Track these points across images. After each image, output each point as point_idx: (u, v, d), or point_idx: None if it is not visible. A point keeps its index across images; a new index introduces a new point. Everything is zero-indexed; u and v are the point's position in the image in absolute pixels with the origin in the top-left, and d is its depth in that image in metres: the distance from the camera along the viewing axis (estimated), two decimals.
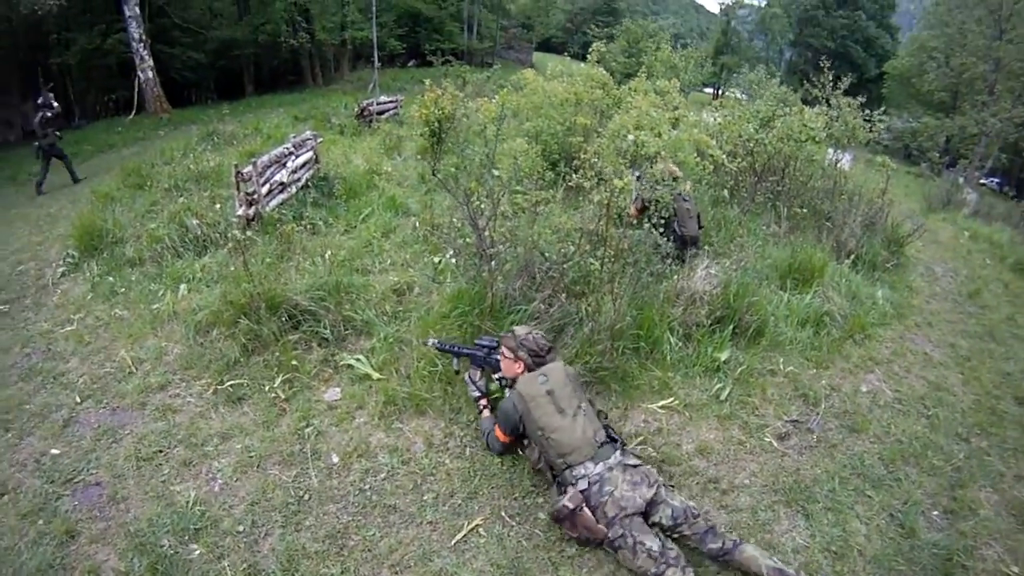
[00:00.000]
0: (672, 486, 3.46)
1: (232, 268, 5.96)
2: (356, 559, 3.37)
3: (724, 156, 6.53)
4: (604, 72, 9.65)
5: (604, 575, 3.31)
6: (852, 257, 7.52)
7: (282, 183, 8.17)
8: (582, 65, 10.08)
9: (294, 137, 9.37)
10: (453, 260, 6.11)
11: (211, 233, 7.18)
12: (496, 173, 4.87)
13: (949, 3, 33.31)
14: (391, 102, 17.62)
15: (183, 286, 6.16)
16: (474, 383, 4.20)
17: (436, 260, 6.34)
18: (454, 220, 6.25)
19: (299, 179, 8.82)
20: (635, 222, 5.82)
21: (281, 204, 8.09)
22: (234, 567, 3.32)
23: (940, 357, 6.22)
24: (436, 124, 8.78)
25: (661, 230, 5.15)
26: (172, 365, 5.08)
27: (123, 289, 6.41)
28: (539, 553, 3.40)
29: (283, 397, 4.54)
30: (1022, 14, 28.29)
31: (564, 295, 5.19)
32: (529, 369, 3.86)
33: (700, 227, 6.81)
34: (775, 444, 4.42)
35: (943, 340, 6.64)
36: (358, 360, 4.84)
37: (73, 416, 4.61)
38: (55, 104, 12.71)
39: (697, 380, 4.92)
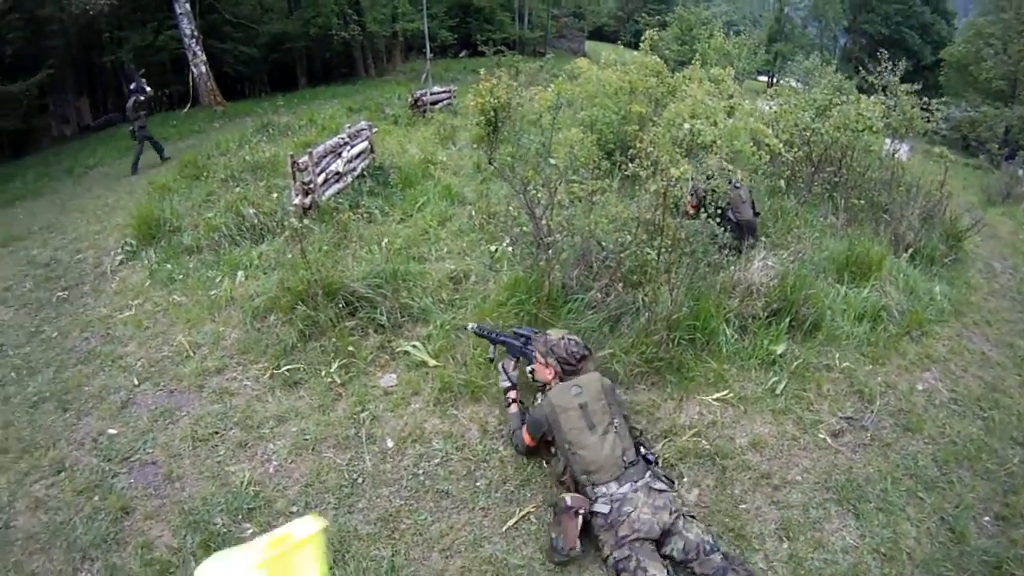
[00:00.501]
0: (693, 516, 3.36)
1: (289, 256, 6.10)
2: (407, 542, 3.42)
3: (781, 145, 6.39)
4: (658, 60, 9.51)
5: None
6: (910, 251, 7.33)
7: (338, 172, 8.26)
8: (635, 53, 9.94)
9: (349, 127, 9.47)
10: (510, 248, 6.13)
11: (267, 222, 7.31)
12: (553, 162, 4.85)
13: None
14: (444, 92, 17.55)
15: (240, 273, 6.29)
16: (506, 373, 4.13)
17: (492, 248, 6.36)
18: (510, 209, 6.24)
19: (354, 168, 8.89)
20: (695, 215, 5.75)
21: (337, 193, 8.17)
22: None
23: (998, 357, 6.02)
24: (492, 113, 8.78)
25: (717, 220, 5.08)
26: (229, 349, 5.20)
27: (181, 276, 6.57)
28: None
29: (339, 382, 4.61)
30: None
31: (621, 285, 5.15)
32: (560, 377, 3.81)
33: (756, 214, 6.68)
34: (829, 441, 4.34)
35: (1001, 339, 6.41)
36: (415, 347, 4.89)
37: (131, 398, 4.77)
38: (148, 88, 13.57)
39: (752, 373, 4.84)
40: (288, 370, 4.76)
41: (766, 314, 5.28)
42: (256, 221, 7.33)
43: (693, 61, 9.96)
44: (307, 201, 7.41)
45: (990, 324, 6.70)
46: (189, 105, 20.40)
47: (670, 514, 3.19)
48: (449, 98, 17.44)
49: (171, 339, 5.47)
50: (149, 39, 21.76)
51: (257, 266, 6.44)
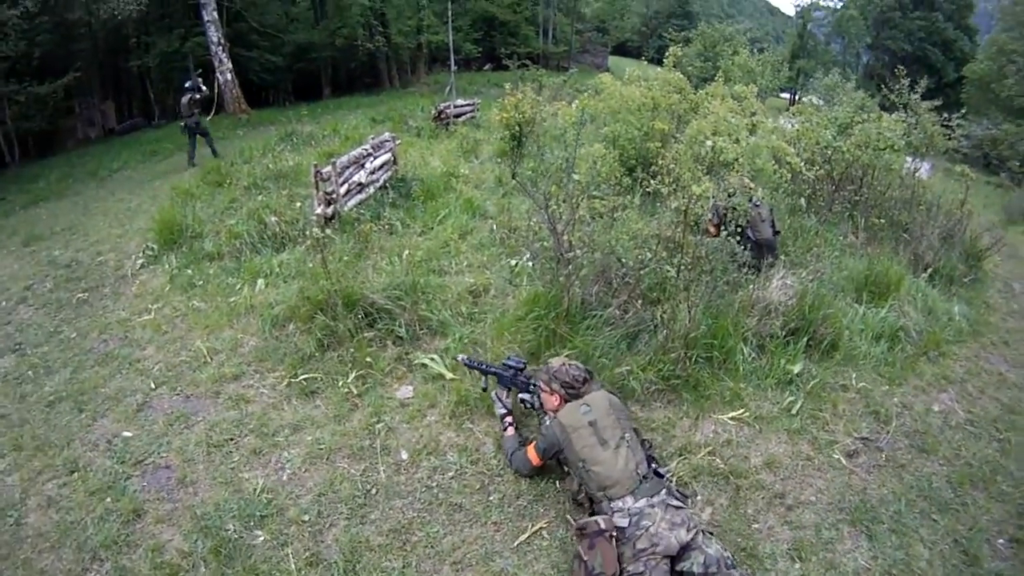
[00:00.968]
0: (712, 532, 3.34)
1: (310, 265, 6.13)
2: (418, 555, 3.42)
3: (802, 164, 6.37)
4: (681, 77, 9.53)
5: None
6: (929, 270, 7.27)
7: (360, 183, 8.34)
8: (658, 69, 9.97)
9: (372, 138, 9.55)
10: (530, 263, 6.16)
11: (289, 230, 7.39)
12: (576, 177, 4.87)
13: None
14: (468, 105, 17.68)
15: (260, 281, 6.35)
16: (500, 400, 4.16)
17: (513, 263, 6.40)
18: (531, 223, 6.27)
19: (377, 180, 8.98)
20: (716, 233, 5.74)
21: (359, 204, 8.26)
22: (297, 555, 3.41)
23: (1016, 378, 5.95)
24: (516, 128, 8.83)
25: (737, 238, 5.07)
26: (247, 357, 5.24)
27: (201, 282, 6.63)
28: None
29: (356, 393, 4.64)
30: None
31: (640, 301, 5.16)
32: (565, 401, 3.80)
33: (776, 232, 6.66)
34: (843, 461, 4.32)
35: (1019, 360, 6.35)
36: (432, 359, 4.91)
37: (147, 401, 4.81)
38: (203, 88, 13.95)
39: (769, 392, 4.83)
40: (305, 379, 4.80)
41: (784, 333, 5.26)
42: (278, 229, 7.41)
43: (716, 78, 9.98)
44: (329, 211, 7.48)
45: (1008, 344, 6.64)
46: (214, 112, 20.68)
47: (688, 530, 3.14)
48: (473, 111, 17.57)
49: (189, 344, 5.53)
50: (176, 45, 22.18)
51: (277, 274, 6.49)
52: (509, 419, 4.09)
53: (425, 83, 31.20)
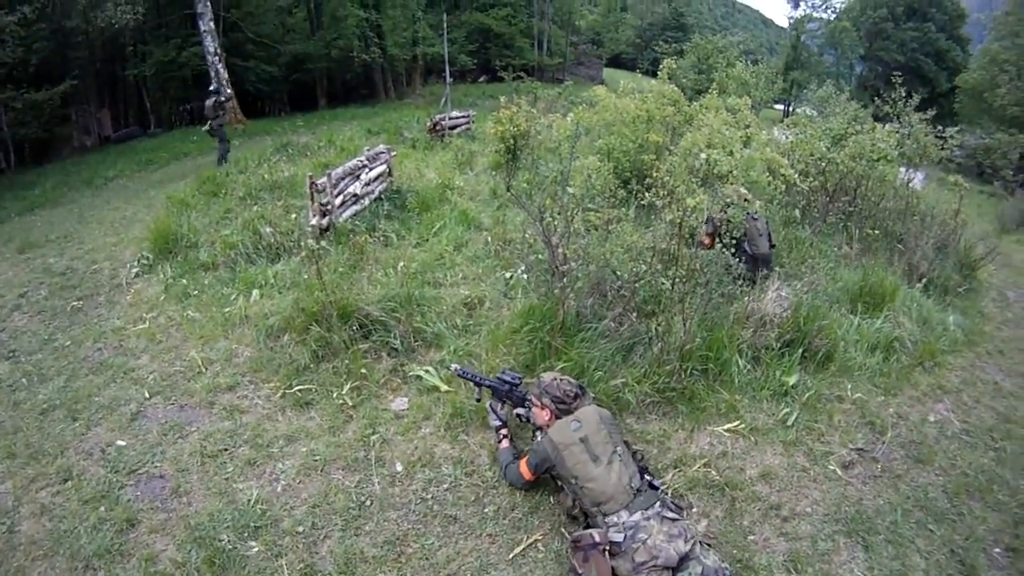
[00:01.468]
0: (710, 544, 3.35)
1: (305, 276, 6.15)
2: (413, 567, 3.42)
3: (796, 176, 6.40)
4: (675, 89, 9.59)
5: None
6: (924, 281, 7.33)
7: (355, 195, 8.35)
8: (653, 81, 10.04)
9: (368, 150, 9.57)
10: (524, 276, 6.17)
11: (284, 241, 7.39)
12: (571, 190, 4.89)
13: (1019, 13, 31.97)
14: (463, 117, 17.74)
15: (255, 291, 6.34)
16: (495, 412, 4.15)
17: (507, 275, 6.40)
18: (526, 236, 6.29)
19: (372, 191, 9.00)
20: (710, 245, 5.75)
21: (354, 215, 8.27)
22: (291, 566, 3.40)
23: (1011, 387, 6.00)
24: (511, 140, 8.86)
25: (732, 251, 5.09)
26: (241, 367, 5.23)
27: (196, 292, 6.61)
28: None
29: (350, 404, 4.63)
30: None
31: (635, 314, 5.18)
32: (556, 416, 3.79)
33: (772, 246, 6.69)
34: (839, 472, 4.34)
35: (1015, 369, 6.40)
36: (427, 371, 4.91)
37: (141, 410, 4.80)
38: (228, 91, 14.36)
39: (764, 404, 4.85)
40: (300, 390, 4.79)
41: (779, 345, 5.29)
42: (273, 240, 7.40)
43: (711, 90, 10.03)
44: (324, 222, 7.48)
45: (1003, 354, 6.69)
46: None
47: (685, 541, 3.14)
48: (468, 123, 17.63)
49: (184, 354, 5.51)
50: (172, 55, 22.29)
51: (272, 285, 6.47)
52: (504, 431, 4.08)
53: (420, 95, 31.32)
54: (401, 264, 6.52)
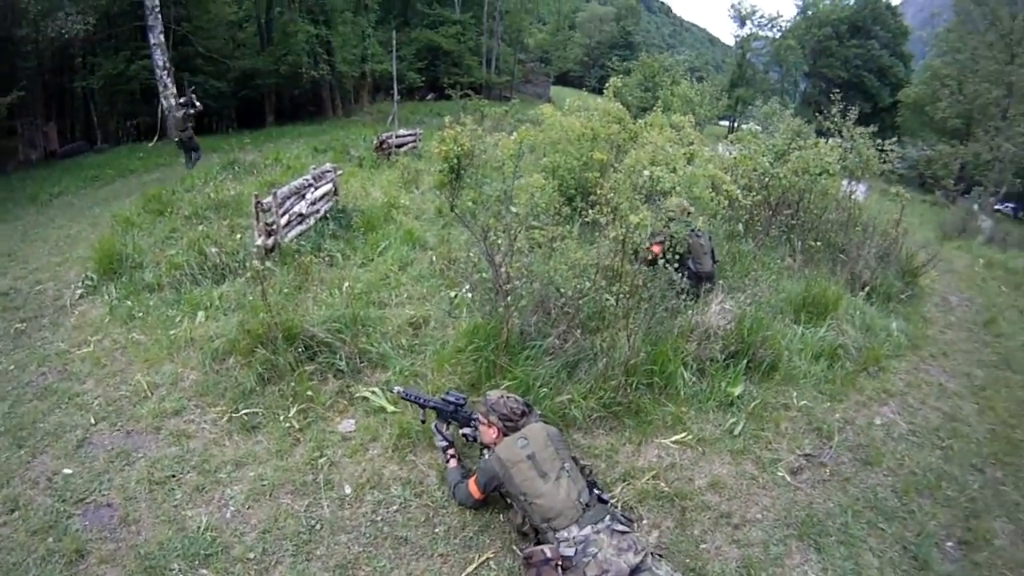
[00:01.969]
0: (661, 555, 3.39)
1: (250, 297, 6.05)
2: None
3: (738, 191, 6.55)
4: (621, 107, 9.74)
5: None
6: (867, 289, 7.55)
7: (301, 214, 8.27)
8: (599, 99, 10.19)
9: (314, 168, 9.50)
10: (469, 295, 6.17)
11: (230, 262, 7.27)
12: (514, 210, 4.92)
13: (960, 30, 33.39)
14: (410, 135, 17.74)
15: (200, 313, 6.22)
16: (440, 433, 4.15)
17: (452, 295, 6.41)
18: (470, 255, 6.31)
19: (318, 211, 8.93)
20: (654, 260, 5.83)
21: (299, 235, 8.18)
22: None
23: (955, 387, 6.23)
24: (455, 160, 8.90)
25: (676, 266, 5.17)
26: (187, 391, 5.13)
27: (141, 313, 6.46)
28: None
29: (297, 427, 4.57)
30: None
31: (579, 331, 5.23)
32: (504, 434, 3.81)
33: (715, 262, 6.82)
34: (788, 478, 4.42)
35: (958, 370, 6.65)
36: (373, 393, 4.88)
37: (87, 437, 4.65)
38: (198, 104, 14.39)
39: (711, 415, 4.93)
40: (246, 414, 4.71)
41: (724, 357, 5.40)
42: (218, 261, 7.28)
43: (655, 108, 10.21)
44: (270, 242, 7.39)
45: (947, 356, 6.94)
46: (156, 138, 20.30)
47: (635, 553, 3.15)
48: (414, 141, 17.63)
49: (129, 378, 5.37)
50: (121, 67, 21.85)
51: (217, 307, 6.36)
52: (451, 451, 4.08)
53: (368, 112, 31.23)
54: (346, 284, 6.48)
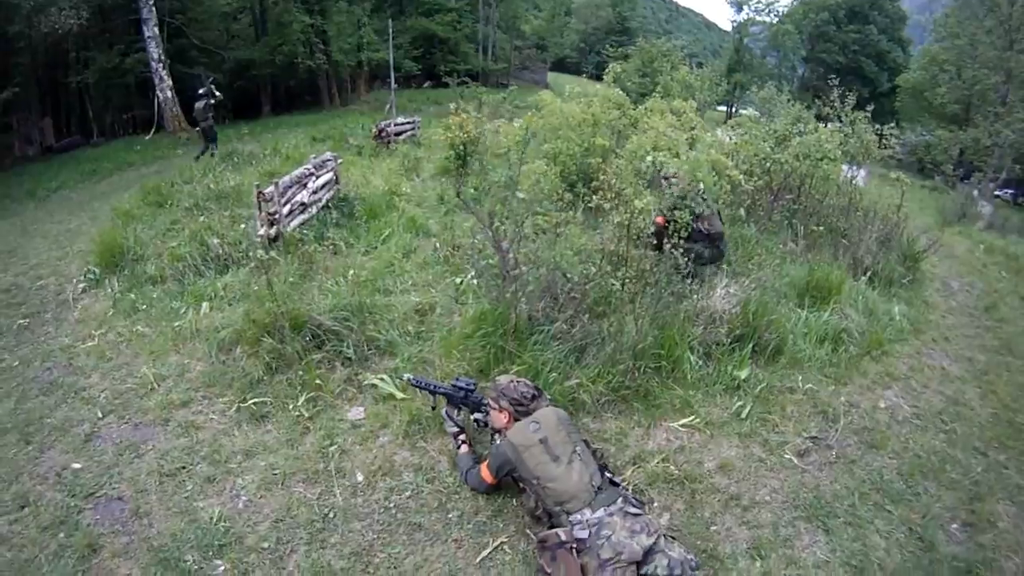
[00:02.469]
0: (674, 537, 3.44)
1: (255, 287, 6.05)
2: (383, 575, 3.40)
3: (741, 176, 6.55)
4: (621, 92, 9.73)
5: None
6: (868, 274, 7.56)
7: (303, 203, 8.26)
8: (597, 86, 10.19)
9: (314, 158, 9.50)
10: (474, 281, 6.19)
11: (232, 252, 7.26)
12: (521, 195, 4.93)
13: (959, 15, 33.25)
14: (408, 123, 17.68)
15: (205, 304, 6.21)
16: (451, 419, 4.17)
17: (458, 281, 6.43)
18: (475, 241, 6.31)
19: (319, 200, 8.91)
20: (660, 232, 5.82)
21: (302, 224, 8.18)
22: None
23: (957, 372, 6.25)
24: (461, 147, 8.92)
25: (686, 235, 5.15)
26: (194, 382, 5.12)
27: (144, 306, 6.45)
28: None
29: (307, 416, 4.58)
30: None
31: (587, 315, 5.23)
32: (515, 418, 3.83)
33: (722, 222, 6.80)
34: (795, 461, 4.45)
35: (960, 355, 6.67)
36: (382, 379, 4.88)
37: (95, 431, 4.64)
38: (217, 94, 14.79)
39: (718, 398, 4.97)
40: (255, 403, 4.71)
41: (729, 340, 5.41)
42: (220, 252, 7.26)
43: (655, 93, 10.19)
44: (272, 232, 7.37)
45: (948, 340, 6.95)
46: (153, 130, 20.23)
47: (648, 535, 3.19)
48: (413, 129, 17.57)
49: (135, 371, 5.36)
50: (115, 61, 21.75)
51: (222, 297, 6.36)
52: (462, 437, 4.09)
53: (365, 101, 31.17)
54: (351, 272, 6.48)
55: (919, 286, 8.26)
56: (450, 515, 3.77)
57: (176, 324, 5.96)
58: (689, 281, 5.89)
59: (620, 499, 3.37)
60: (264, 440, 4.40)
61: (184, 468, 4.18)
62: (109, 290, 6.92)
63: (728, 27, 56.40)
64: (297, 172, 8.50)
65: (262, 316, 5.21)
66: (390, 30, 22.71)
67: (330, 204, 9.17)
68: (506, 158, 5.07)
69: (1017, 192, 32.36)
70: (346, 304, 5.52)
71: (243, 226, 7.85)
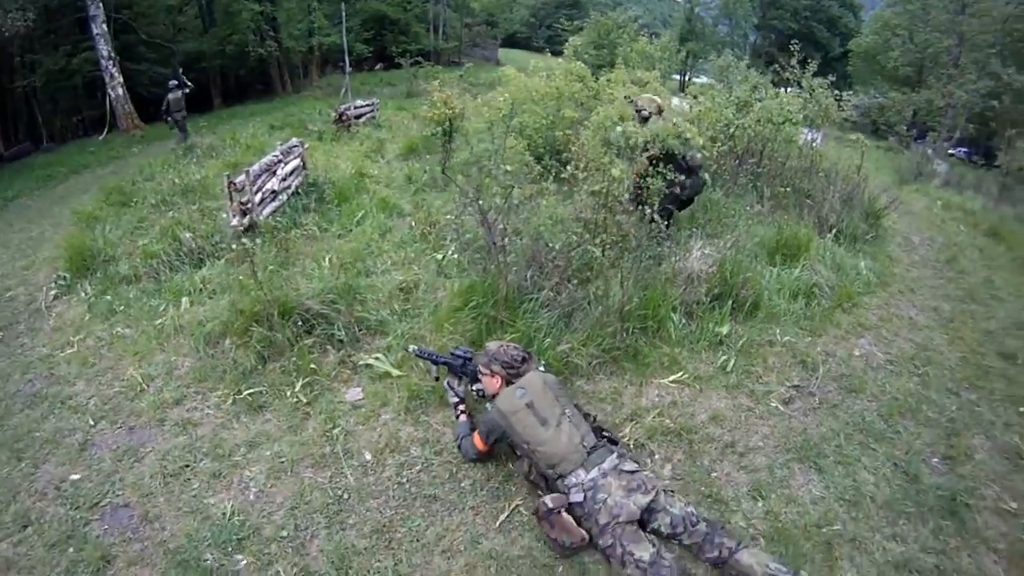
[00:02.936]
0: (673, 491, 3.58)
1: (235, 278, 5.98)
2: (406, 550, 3.45)
3: (705, 142, 6.70)
4: (582, 65, 9.84)
5: None
6: (834, 231, 7.81)
7: (274, 191, 8.22)
8: (553, 60, 10.32)
9: (281, 144, 9.44)
10: (455, 256, 6.28)
11: (206, 245, 7.20)
12: (508, 168, 4.99)
13: None
14: (367, 105, 17.65)
15: (185, 299, 6.12)
16: (452, 389, 4.23)
17: (439, 257, 6.49)
18: (457, 217, 6.34)
19: (289, 186, 8.88)
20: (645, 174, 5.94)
21: (274, 212, 8.14)
22: (286, 572, 3.35)
23: (925, 320, 6.53)
24: (448, 123, 9.02)
25: (670, 164, 5.28)
26: (185, 379, 5.05)
27: (122, 307, 6.32)
28: None
29: (305, 401, 4.58)
30: None
31: (574, 282, 5.39)
32: (507, 382, 3.92)
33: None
34: (781, 408, 4.68)
35: (926, 304, 6.96)
36: (377, 359, 4.92)
37: (88, 439, 4.51)
38: (189, 84, 15.89)
39: (703, 354, 5.16)
40: (250, 394, 4.67)
41: (709, 299, 5.62)
42: (194, 245, 7.18)
43: (617, 65, 10.30)
44: (246, 221, 7.34)
45: (914, 291, 7.25)
46: (107, 130, 19.68)
47: (645, 493, 3.28)
48: (372, 111, 17.55)
49: (121, 374, 5.25)
50: (62, 63, 21.02)
51: (201, 291, 6.29)
52: (462, 407, 4.15)
53: (318, 86, 30.68)
54: (331, 256, 6.51)
55: (882, 242, 8.55)
56: (463, 484, 3.85)
57: (157, 322, 5.85)
58: (668, 244, 6.07)
59: (615, 456, 3.47)
60: (265, 429, 4.39)
61: (188, 466, 4.13)
62: (82, 294, 6.74)
63: None
64: (266, 159, 8.45)
65: (249, 305, 5.18)
66: (343, 13, 22.41)
67: (300, 190, 9.15)
68: (490, 132, 5.13)
69: (971, 151, 33.29)
70: (332, 287, 5.53)
71: (224, 216, 7.74)
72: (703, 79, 19.20)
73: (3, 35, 17.86)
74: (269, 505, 3.79)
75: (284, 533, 3.59)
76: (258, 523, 3.67)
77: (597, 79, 10.01)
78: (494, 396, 3.95)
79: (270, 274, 5.92)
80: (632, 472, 3.41)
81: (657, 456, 4.12)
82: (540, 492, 3.59)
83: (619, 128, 5.75)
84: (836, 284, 6.59)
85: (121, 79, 19.67)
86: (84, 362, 5.53)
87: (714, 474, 4.01)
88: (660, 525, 3.27)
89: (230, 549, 3.51)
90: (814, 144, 10.61)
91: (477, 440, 3.82)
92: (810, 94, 9.74)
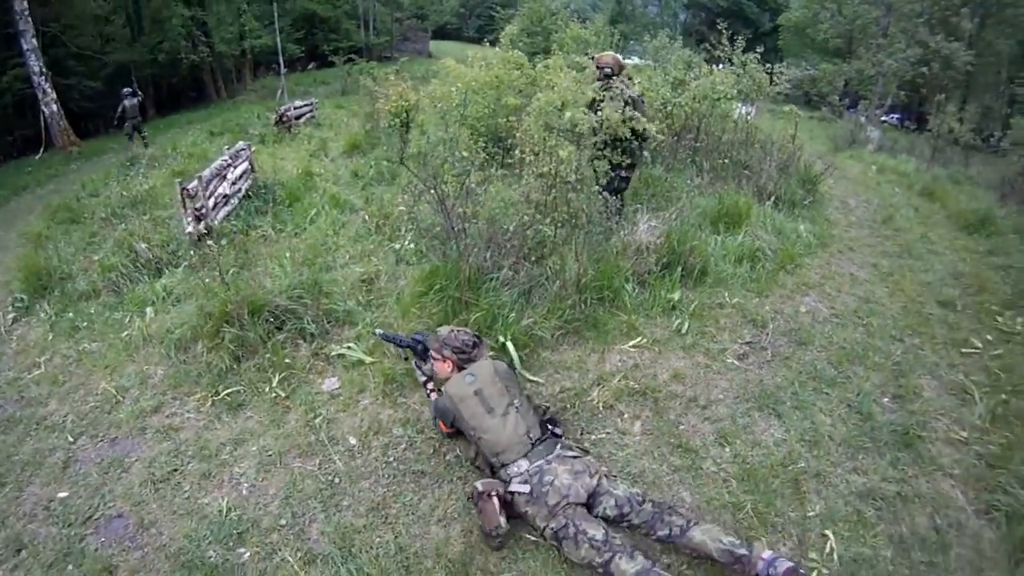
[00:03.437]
0: (615, 475, 3.73)
1: (198, 283, 6.00)
2: (403, 523, 3.60)
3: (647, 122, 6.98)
4: (519, 53, 10.05)
5: None
6: (772, 199, 8.23)
7: (225, 195, 8.27)
8: (490, 49, 10.55)
9: (228, 149, 9.46)
10: (411, 245, 6.46)
11: (162, 254, 7.21)
12: (466, 154, 5.19)
13: None
14: (307, 105, 17.77)
15: (149, 309, 6.12)
16: (420, 369, 4.36)
17: (397, 246, 6.65)
18: (413, 207, 6.51)
19: (239, 189, 8.94)
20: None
21: (227, 216, 8.19)
22: (292, 557, 3.44)
23: (865, 276, 6.98)
24: (405, 114, 9.26)
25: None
26: (159, 386, 5.05)
27: (85, 323, 6.26)
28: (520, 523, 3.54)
29: (284, 395, 4.68)
30: None
31: (532, 260, 5.65)
32: (459, 367, 3.96)
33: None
34: (737, 363, 5.02)
35: (865, 261, 7.42)
36: (349, 347, 5.06)
37: (71, 456, 4.46)
38: (140, 93, 16.82)
39: (658, 319, 5.46)
40: (228, 394, 4.74)
41: (659, 268, 5.93)
42: (150, 255, 7.16)
43: (553, 51, 10.52)
44: (202, 227, 7.38)
45: (853, 250, 7.71)
46: (43, 149, 19.10)
47: (590, 476, 3.33)
48: (311, 111, 17.69)
49: (94, 389, 5.20)
50: None
51: (164, 299, 6.30)
52: (431, 385, 4.27)
53: (252, 90, 30.33)
54: (289, 254, 6.59)
55: (820, 206, 9.03)
56: (447, 457, 4.02)
57: (124, 334, 5.83)
58: (617, 219, 6.36)
59: (558, 446, 3.61)
60: (248, 426, 4.46)
61: (176, 470, 4.15)
62: (42, 315, 6.61)
63: None
64: (216, 164, 8.45)
65: (218, 307, 5.22)
66: (275, 14, 22.21)
67: (250, 193, 9.23)
68: (443, 121, 5.31)
69: (903, 116, 34.54)
70: (298, 283, 5.63)
71: (178, 223, 7.72)
72: (635, 60, 19.45)
73: None
74: (263, 497, 3.87)
75: (283, 522, 3.68)
76: (255, 516, 3.75)
77: (535, 66, 10.21)
78: (444, 379, 4.02)
79: (234, 275, 5.97)
80: (575, 457, 3.49)
81: (626, 415, 4.38)
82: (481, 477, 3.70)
83: (567, 114, 5.97)
84: (778, 247, 6.96)
85: (55, 95, 19.11)
86: (54, 381, 5.44)
87: (681, 427, 4.30)
88: (606, 507, 3.28)
89: (231, 544, 3.58)
90: (749, 117, 11.01)
91: (440, 423, 3.98)
92: (743, 69, 10.12)
